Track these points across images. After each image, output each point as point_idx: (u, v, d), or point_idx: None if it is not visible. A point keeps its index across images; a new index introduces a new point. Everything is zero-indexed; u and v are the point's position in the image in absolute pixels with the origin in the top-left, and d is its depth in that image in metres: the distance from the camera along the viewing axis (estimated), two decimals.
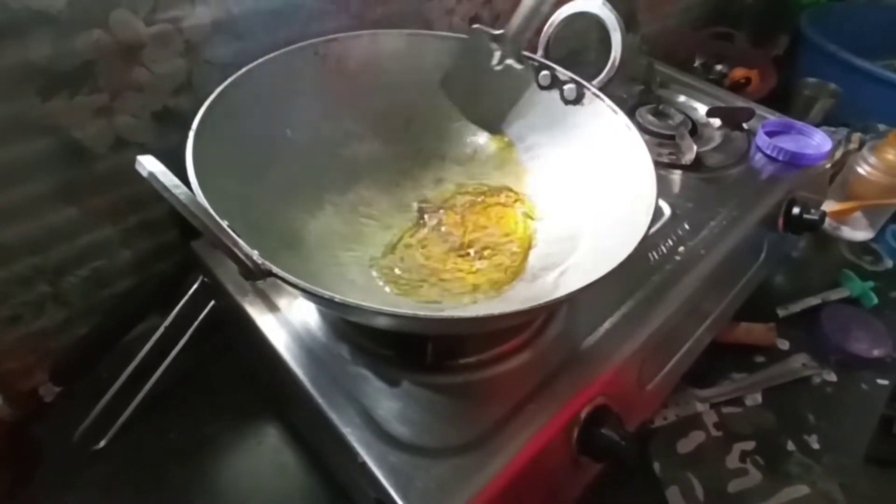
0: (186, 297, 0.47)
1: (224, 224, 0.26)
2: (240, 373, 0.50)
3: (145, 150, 0.45)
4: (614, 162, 0.40)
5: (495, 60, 0.45)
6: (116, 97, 0.41)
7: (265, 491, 0.44)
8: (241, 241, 0.25)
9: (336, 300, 0.25)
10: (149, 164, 0.23)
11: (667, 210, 0.51)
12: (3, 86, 0.36)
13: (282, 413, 0.48)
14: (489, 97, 0.46)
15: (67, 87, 0.39)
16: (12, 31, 0.35)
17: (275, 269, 0.25)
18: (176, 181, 0.23)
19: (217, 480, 0.45)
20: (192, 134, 0.32)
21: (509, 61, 0.44)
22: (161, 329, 0.47)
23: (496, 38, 0.45)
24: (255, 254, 0.25)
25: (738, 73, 0.87)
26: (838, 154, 0.78)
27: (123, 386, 0.47)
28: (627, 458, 0.36)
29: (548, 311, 0.40)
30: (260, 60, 0.40)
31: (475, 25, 0.45)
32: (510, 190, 0.46)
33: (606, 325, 0.41)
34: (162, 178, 0.22)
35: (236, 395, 0.50)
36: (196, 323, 0.48)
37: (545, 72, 0.45)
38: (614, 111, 0.41)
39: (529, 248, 0.42)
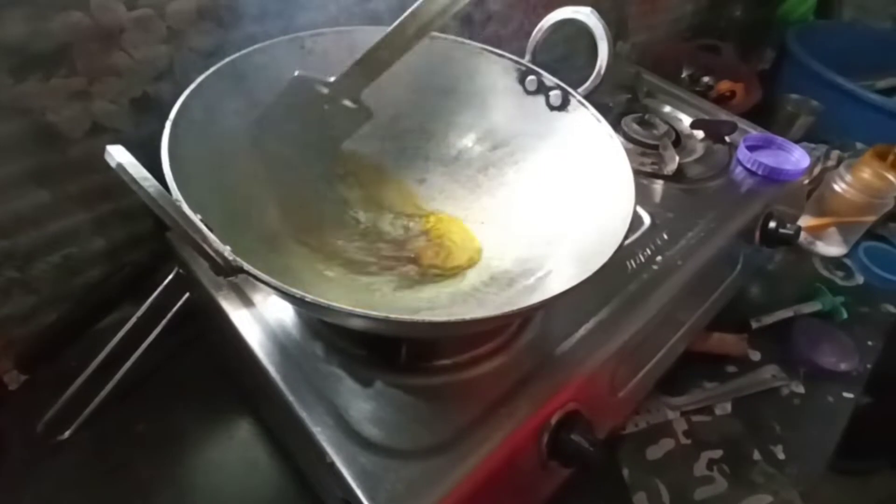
0: (160, 289, 0.47)
1: (197, 218, 0.25)
2: (213, 366, 0.50)
3: (123, 138, 0.45)
4: (595, 170, 0.40)
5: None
6: (94, 81, 0.40)
7: (234, 486, 0.44)
8: (212, 237, 0.24)
9: (307, 299, 0.25)
10: (118, 154, 0.22)
11: (646, 219, 0.51)
12: None
13: (254, 408, 0.48)
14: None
15: (42, 68, 0.38)
16: None
17: (246, 266, 0.25)
18: (145, 173, 0.22)
19: (185, 474, 0.44)
20: (169, 123, 0.31)
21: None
22: (133, 319, 0.47)
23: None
24: (227, 249, 0.25)
25: (724, 85, 0.88)
26: (816, 170, 0.80)
27: (92, 376, 0.46)
28: (595, 464, 0.36)
29: (522, 317, 0.40)
30: (244, 51, 0.40)
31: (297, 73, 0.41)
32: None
33: (581, 331, 0.41)
34: (130, 170, 0.22)
35: (208, 389, 0.49)
36: (169, 315, 0.47)
37: (531, 77, 0.45)
38: (598, 119, 0.41)
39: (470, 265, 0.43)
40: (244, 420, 0.48)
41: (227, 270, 0.24)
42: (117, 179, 0.43)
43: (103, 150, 0.41)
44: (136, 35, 0.40)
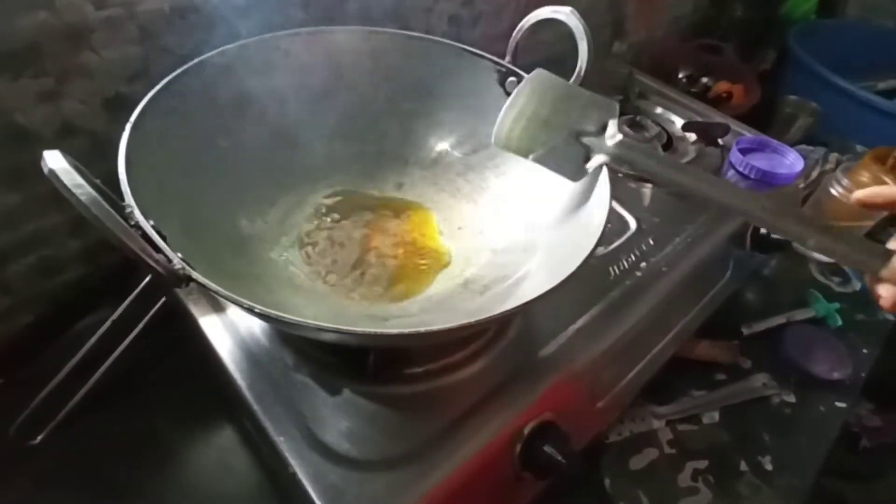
0: (137, 291, 0.46)
1: (148, 225, 0.24)
2: (189, 370, 0.49)
3: (96, 138, 0.44)
4: None
5: None
6: (64, 82, 0.40)
7: (209, 490, 0.43)
8: (161, 244, 0.24)
9: (256, 310, 0.24)
10: (52, 160, 0.21)
11: (632, 224, 0.50)
12: None
13: (228, 413, 0.47)
14: None
15: (10, 68, 0.37)
16: None
17: (195, 275, 0.24)
18: (79, 181, 0.22)
19: (160, 478, 0.44)
20: (128, 126, 0.31)
21: None
22: (108, 322, 0.46)
23: None
24: (176, 256, 0.24)
25: (722, 86, 0.86)
26: (814, 174, 0.78)
27: (67, 379, 0.45)
28: (568, 476, 0.35)
29: (492, 325, 0.39)
30: (216, 51, 0.39)
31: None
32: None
33: (560, 339, 0.41)
34: (63, 177, 0.21)
35: (185, 392, 0.48)
36: (147, 317, 0.46)
37: (512, 78, 0.44)
38: None
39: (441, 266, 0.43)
40: (220, 424, 0.47)
41: (171, 280, 0.23)
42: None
43: (75, 151, 0.41)
44: (105, 35, 0.40)
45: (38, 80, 0.39)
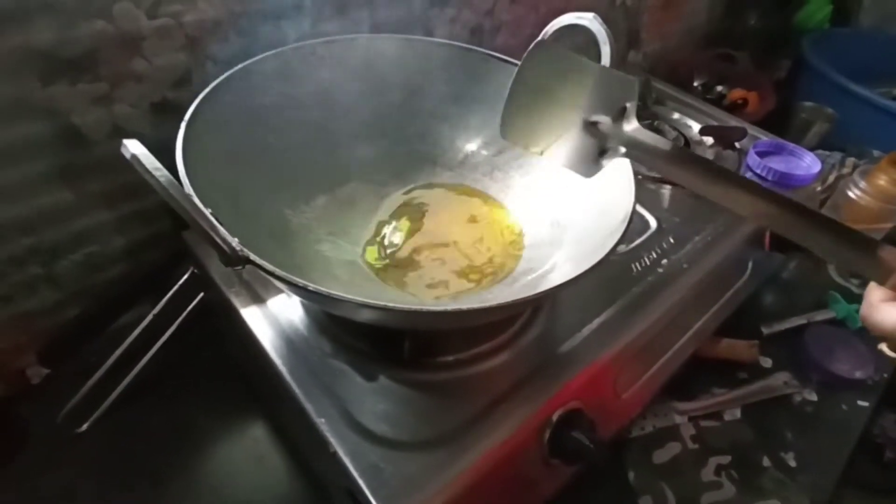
0: (176, 287, 0.48)
1: (207, 211, 0.26)
2: (225, 364, 0.51)
3: (143, 141, 0.46)
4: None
5: None
6: (116, 86, 0.42)
7: (242, 478, 0.45)
8: (221, 228, 0.26)
9: (309, 288, 0.26)
10: (132, 146, 0.23)
11: (653, 223, 0.51)
12: (6, 68, 0.37)
13: (263, 405, 0.49)
14: None
15: (69, 73, 0.40)
16: (17, 15, 0.36)
17: (252, 256, 0.26)
18: (157, 164, 0.24)
19: (195, 467, 0.45)
20: (183, 124, 0.33)
21: None
22: (150, 317, 0.48)
23: None
24: (234, 240, 0.26)
25: (737, 94, 0.88)
26: (832, 178, 0.79)
27: (109, 371, 0.47)
28: (596, 461, 0.37)
29: (527, 307, 0.40)
30: (257, 57, 0.41)
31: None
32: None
33: (585, 331, 0.42)
34: (144, 161, 0.23)
35: (220, 386, 0.50)
36: (185, 313, 0.48)
37: None
38: None
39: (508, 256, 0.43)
40: (254, 416, 0.49)
41: (234, 260, 0.25)
42: (137, 180, 0.45)
43: None
44: (156, 43, 0.42)
45: (93, 84, 0.41)
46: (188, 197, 0.24)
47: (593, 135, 0.31)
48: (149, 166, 0.23)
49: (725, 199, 0.29)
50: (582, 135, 0.31)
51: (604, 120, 0.31)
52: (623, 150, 0.31)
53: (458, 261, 0.43)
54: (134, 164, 0.23)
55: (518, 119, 0.32)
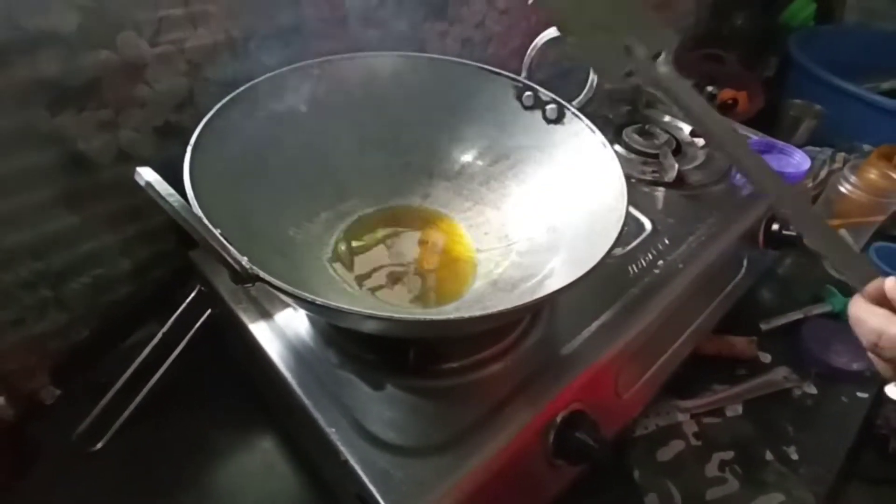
0: (184, 306, 0.49)
1: (217, 232, 0.28)
2: (233, 379, 0.52)
3: (147, 163, 0.47)
4: (590, 177, 0.42)
5: None
6: (120, 112, 0.44)
7: (253, 489, 0.46)
8: (231, 248, 0.27)
9: (317, 302, 0.27)
10: (146, 174, 0.25)
11: (648, 225, 0.53)
12: (14, 99, 0.38)
13: (272, 417, 0.50)
14: None
15: (75, 102, 0.41)
16: (24, 48, 0.37)
17: (262, 274, 0.27)
18: (170, 190, 0.25)
19: (208, 480, 0.46)
20: (189, 148, 0.34)
21: None
22: (159, 335, 0.49)
23: None
24: (244, 259, 0.27)
25: (726, 94, 0.89)
26: (823, 173, 0.80)
27: (120, 390, 0.48)
28: (600, 461, 0.37)
29: (528, 313, 0.41)
30: (258, 79, 0.43)
31: None
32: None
33: (584, 334, 0.43)
34: (158, 187, 0.24)
35: (229, 401, 0.51)
36: (192, 330, 0.49)
37: (528, 93, 0.47)
38: (592, 130, 0.43)
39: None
40: (262, 429, 0.50)
41: (244, 278, 0.26)
42: (142, 202, 0.47)
43: (129, 175, 0.44)
44: (158, 69, 0.44)
45: (98, 111, 0.43)
46: (199, 219, 0.25)
47: (625, 57, 0.32)
48: (162, 192, 0.24)
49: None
50: (614, 49, 0.32)
51: (639, 52, 0.32)
52: (650, 86, 0.32)
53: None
54: (148, 190, 0.24)
55: None
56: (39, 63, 0.38)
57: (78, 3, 0.38)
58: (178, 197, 0.25)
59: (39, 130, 0.41)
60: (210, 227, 0.27)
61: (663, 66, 0.32)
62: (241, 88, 0.41)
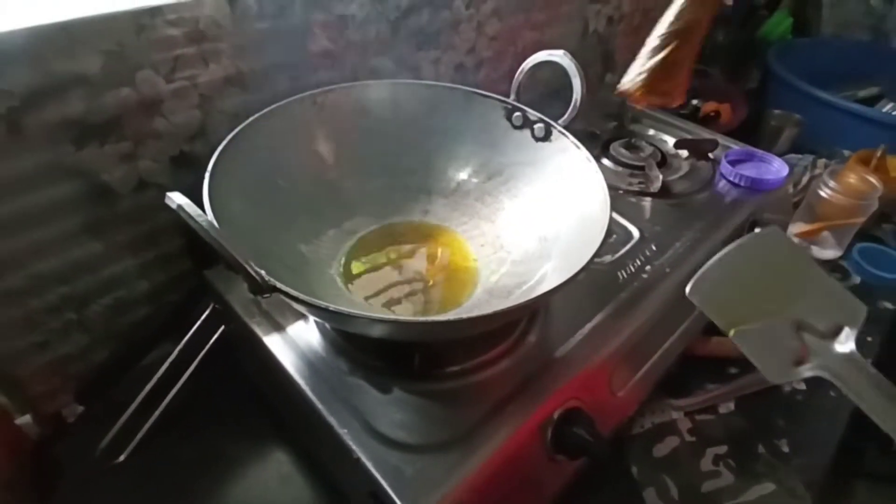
0: (198, 324, 0.52)
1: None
2: (245, 394, 0.54)
3: (163, 191, 0.51)
4: (577, 189, 0.45)
5: None
6: (139, 144, 0.47)
7: (269, 497, 0.48)
8: (251, 262, 0.30)
9: (330, 309, 0.30)
10: (177, 198, 0.28)
11: (635, 233, 0.56)
12: (44, 136, 0.42)
13: (284, 429, 0.52)
14: None
15: (98, 136, 0.44)
16: (55, 90, 0.41)
17: (279, 285, 0.30)
18: (199, 211, 0.28)
19: (225, 490, 0.48)
20: (207, 175, 0.37)
21: None
22: (175, 353, 0.52)
23: None
24: (262, 272, 0.30)
25: (709, 107, 0.93)
26: (805, 179, 0.83)
27: (140, 406, 0.51)
28: (597, 454, 0.40)
29: (525, 312, 0.44)
30: (265, 110, 0.46)
31: None
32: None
33: (578, 336, 0.45)
34: (188, 209, 0.27)
35: (242, 415, 0.54)
36: (207, 346, 0.52)
37: (517, 113, 0.51)
38: (577, 146, 0.47)
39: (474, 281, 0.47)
40: (275, 441, 0.52)
41: (263, 288, 0.29)
42: (158, 228, 0.50)
43: (148, 203, 0.48)
44: (173, 103, 0.47)
45: (119, 144, 0.46)
46: (227, 238, 0.28)
47: (795, 338, 0.28)
48: (192, 213, 0.27)
49: None
50: (783, 332, 0.28)
51: (815, 329, 0.28)
52: (825, 373, 0.27)
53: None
54: (179, 212, 0.27)
55: (717, 287, 0.28)
56: (67, 103, 0.42)
57: (102, 48, 0.41)
58: (206, 217, 0.28)
59: (65, 164, 0.44)
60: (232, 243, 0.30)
61: (843, 347, 0.27)
62: (251, 119, 0.44)
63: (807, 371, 0.27)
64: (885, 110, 1.02)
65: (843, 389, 0.28)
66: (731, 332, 0.29)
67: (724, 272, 0.28)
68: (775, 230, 0.29)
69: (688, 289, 0.29)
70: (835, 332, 0.27)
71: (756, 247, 0.29)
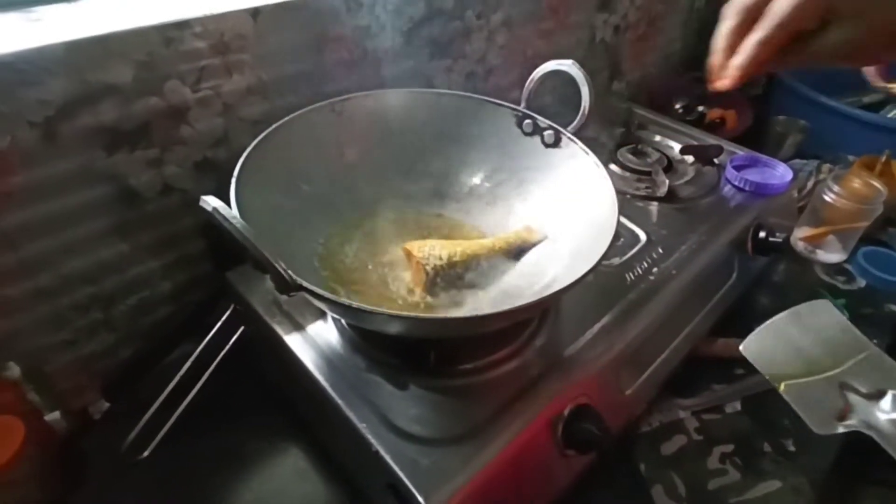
0: (219, 324, 0.54)
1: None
2: (264, 393, 0.56)
3: (187, 195, 0.53)
4: (585, 194, 0.47)
5: None
6: (166, 150, 0.49)
7: (287, 494, 0.50)
8: (280, 262, 0.32)
9: (353, 306, 0.32)
10: (211, 201, 0.30)
11: (642, 236, 0.58)
12: (78, 143, 0.44)
13: (302, 426, 0.54)
14: None
15: (127, 142, 0.47)
16: (89, 99, 0.43)
17: (304, 284, 0.32)
18: (234, 213, 0.30)
19: (245, 486, 0.50)
20: (234, 179, 0.39)
21: None
22: (197, 352, 0.54)
23: None
24: (288, 271, 0.32)
25: (714, 113, 0.94)
26: (810, 184, 0.85)
27: (163, 404, 0.52)
28: (605, 449, 0.41)
29: (537, 310, 0.46)
30: (286, 118, 0.48)
31: None
32: None
33: (587, 336, 0.47)
34: (222, 212, 0.29)
35: (261, 413, 0.56)
36: (228, 345, 0.54)
37: (528, 120, 0.53)
38: (586, 152, 0.48)
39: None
40: (293, 438, 0.53)
41: (290, 287, 0.31)
42: (181, 230, 0.52)
43: (172, 206, 0.49)
44: (198, 111, 0.49)
45: (147, 150, 0.48)
46: (257, 238, 0.30)
47: (839, 396, 0.31)
48: (226, 215, 0.29)
49: None
50: (826, 389, 0.31)
51: (858, 390, 0.31)
52: (867, 429, 0.31)
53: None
54: (214, 214, 0.29)
55: (770, 345, 0.32)
56: (100, 112, 0.44)
57: (134, 59, 0.44)
58: (239, 219, 0.30)
59: (96, 169, 0.46)
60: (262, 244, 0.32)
61: (887, 409, 0.29)
62: (272, 127, 0.46)
63: (849, 426, 0.30)
64: (889, 116, 1.03)
65: (886, 447, 0.30)
66: (781, 387, 0.32)
67: (776, 334, 0.32)
68: (825, 303, 0.33)
69: (742, 346, 0.32)
70: (878, 395, 0.30)
71: (807, 315, 0.32)
